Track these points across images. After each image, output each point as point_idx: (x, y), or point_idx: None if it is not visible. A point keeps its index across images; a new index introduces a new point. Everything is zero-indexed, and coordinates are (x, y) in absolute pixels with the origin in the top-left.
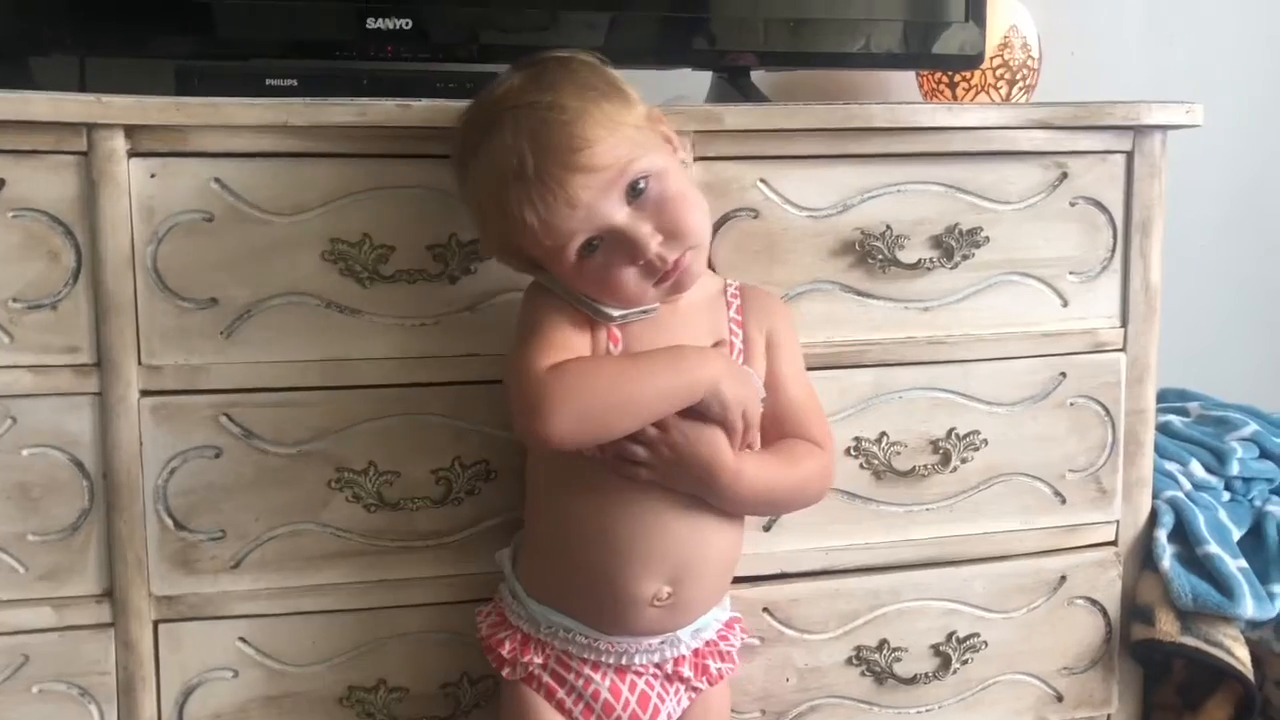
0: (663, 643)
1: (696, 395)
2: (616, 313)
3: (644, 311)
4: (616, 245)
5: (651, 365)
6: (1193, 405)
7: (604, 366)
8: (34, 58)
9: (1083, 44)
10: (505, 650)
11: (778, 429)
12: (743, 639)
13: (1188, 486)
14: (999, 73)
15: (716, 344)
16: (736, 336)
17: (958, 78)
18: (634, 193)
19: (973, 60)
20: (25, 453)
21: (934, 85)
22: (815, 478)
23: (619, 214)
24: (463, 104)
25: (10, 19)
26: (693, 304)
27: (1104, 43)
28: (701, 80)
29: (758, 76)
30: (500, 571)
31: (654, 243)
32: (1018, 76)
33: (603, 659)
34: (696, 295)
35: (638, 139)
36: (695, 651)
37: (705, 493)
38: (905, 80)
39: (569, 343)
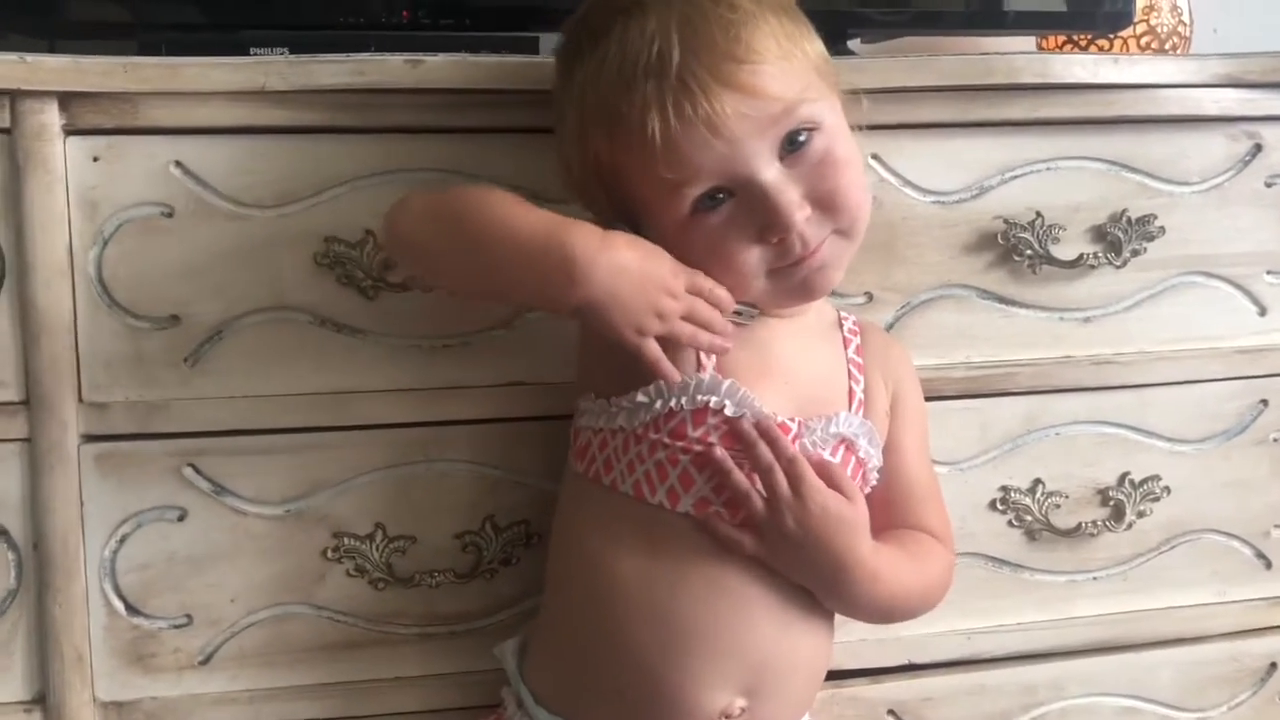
0: None
1: (556, 278)
2: None
3: (740, 313)
4: (748, 208)
5: (527, 210)
6: None
7: (480, 188)
8: None
9: (1226, 21)
10: None
11: (891, 515)
12: None
13: None
14: (1144, 40)
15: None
16: (857, 383)
17: (1093, 46)
18: (791, 145)
19: (1119, 20)
20: None
21: None
22: (940, 583)
23: (768, 168)
24: (494, 60)
25: None
26: (805, 327)
27: (1253, 18)
28: None
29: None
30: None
31: (800, 216)
32: (1166, 46)
33: None
34: (810, 317)
35: (812, 79)
36: None
37: (826, 591)
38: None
39: None
